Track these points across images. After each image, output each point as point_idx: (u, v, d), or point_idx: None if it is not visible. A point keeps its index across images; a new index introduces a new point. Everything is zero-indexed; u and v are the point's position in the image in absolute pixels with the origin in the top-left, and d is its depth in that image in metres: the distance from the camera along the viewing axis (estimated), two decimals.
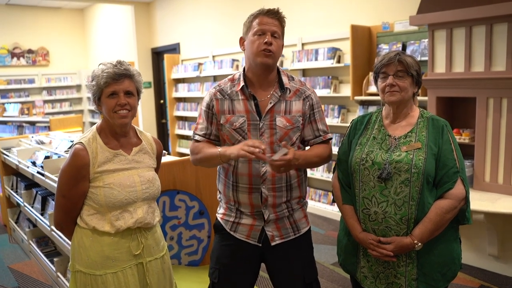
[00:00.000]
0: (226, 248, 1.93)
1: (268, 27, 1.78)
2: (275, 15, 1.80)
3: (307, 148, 1.97)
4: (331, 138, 1.98)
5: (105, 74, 1.68)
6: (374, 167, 1.76)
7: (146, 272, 1.81)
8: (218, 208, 2.04)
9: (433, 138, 1.75)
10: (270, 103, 1.83)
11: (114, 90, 1.70)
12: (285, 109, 1.85)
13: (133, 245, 1.78)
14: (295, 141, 1.88)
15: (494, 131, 3.25)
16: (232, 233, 1.91)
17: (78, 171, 1.70)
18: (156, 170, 1.93)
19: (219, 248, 1.95)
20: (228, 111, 1.85)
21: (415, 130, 1.78)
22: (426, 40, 4.03)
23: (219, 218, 1.98)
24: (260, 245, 1.89)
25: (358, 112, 4.70)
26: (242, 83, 1.85)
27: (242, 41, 1.89)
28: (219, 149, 1.78)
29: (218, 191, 2.03)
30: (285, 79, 1.89)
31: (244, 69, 1.91)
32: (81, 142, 1.73)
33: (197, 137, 1.93)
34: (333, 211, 4.95)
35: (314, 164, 1.95)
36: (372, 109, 4.55)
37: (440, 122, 1.78)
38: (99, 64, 1.75)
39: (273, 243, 1.89)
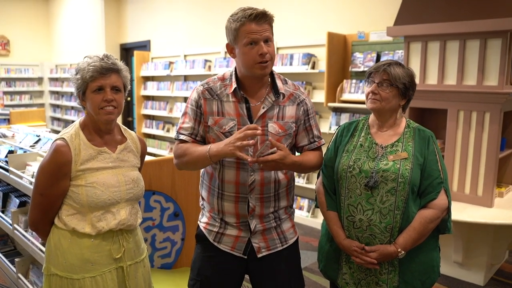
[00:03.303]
0: (208, 260, 1.82)
1: (259, 36, 1.61)
2: (264, 20, 1.62)
3: (297, 154, 1.89)
4: (324, 144, 1.91)
5: (91, 67, 1.60)
6: (361, 175, 1.77)
7: (126, 277, 1.73)
8: (200, 216, 1.91)
9: (419, 149, 1.77)
10: (263, 108, 1.72)
11: (100, 84, 1.61)
12: (278, 114, 1.75)
13: (114, 248, 1.70)
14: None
15: (463, 142, 3.37)
16: (215, 244, 1.80)
17: (58, 169, 1.60)
18: (139, 169, 1.86)
19: (201, 259, 1.84)
20: (217, 112, 1.72)
21: (401, 140, 1.81)
22: (400, 51, 4.14)
23: (201, 227, 1.85)
24: (246, 257, 1.79)
25: (330, 119, 4.76)
26: (234, 85, 1.71)
27: (230, 48, 1.71)
28: (209, 147, 1.63)
29: (201, 197, 1.90)
30: (279, 83, 1.77)
31: (235, 69, 1.76)
32: (63, 138, 1.64)
33: (182, 137, 1.75)
34: (301, 216, 4.98)
35: (307, 170, 1.86)
36: (344, 116, 4.62)
37: (426, 133, 1.82)
38: (84, 57, 1.66)
39: (259, 255, 1.79)
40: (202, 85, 1.78)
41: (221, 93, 1.74)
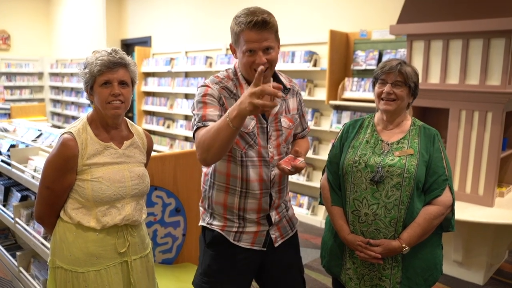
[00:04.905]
0: (227, 260, 1.79)
1: (257, 45, 1.56)
2: (263, 28, 1.54)
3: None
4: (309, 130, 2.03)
5: (99, 61, 1.60)
6: (367, 170, 1.78)
7: (131, 271, 1.73)
8: (209, 220, 1.81)
9: (425, 146, 1.79)
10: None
11: (108, 79, 1.61)
12: (285, 109, 1.80)
13: (118, 243, 1.70)
14: (292, 140, 1.86)
15: (464, 142, 3.37)
16: (235, 242, 1.78)
17: (65, 162, 1.61)
18: (145, 165, 1.85)
19: (217, 260, 1.79)
20: None
21: (407, 137, 1.82)
22: (403, 49, 4.14)
23: (218, 230, 1.77)
24: (265, 249, 1.81)
25: (331, 117, 4.76)
26: (246, 85, 1.69)
27: (232, 49, 1.68)
28: (227, 113, 1.43)
29: (208, 201, 1.80)
30: (283, 79, 1.82)
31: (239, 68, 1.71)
32: (70, 132, 1.64)
33: (209, 123, 1.57)
34: (301, 213, 4.99)
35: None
36: (346, 114, 4.62)
37: (432, 131, 1.83)
38: (93, 52, 1.66)
39: (276, 245, 1.83)
40: (217, 83, 1.69)
41: (237, 92, 1.69)
